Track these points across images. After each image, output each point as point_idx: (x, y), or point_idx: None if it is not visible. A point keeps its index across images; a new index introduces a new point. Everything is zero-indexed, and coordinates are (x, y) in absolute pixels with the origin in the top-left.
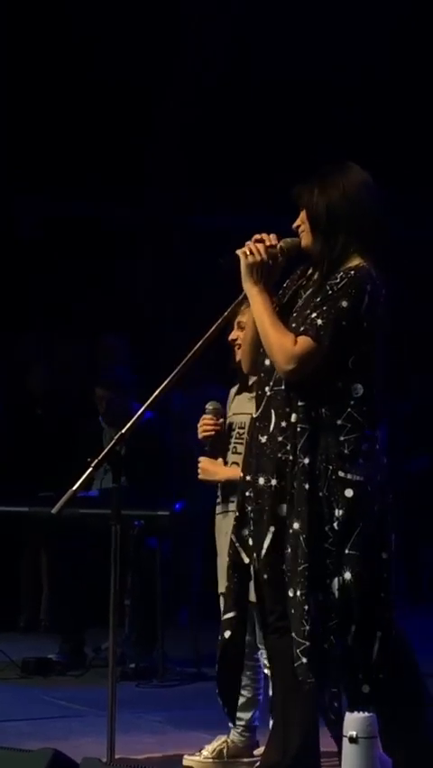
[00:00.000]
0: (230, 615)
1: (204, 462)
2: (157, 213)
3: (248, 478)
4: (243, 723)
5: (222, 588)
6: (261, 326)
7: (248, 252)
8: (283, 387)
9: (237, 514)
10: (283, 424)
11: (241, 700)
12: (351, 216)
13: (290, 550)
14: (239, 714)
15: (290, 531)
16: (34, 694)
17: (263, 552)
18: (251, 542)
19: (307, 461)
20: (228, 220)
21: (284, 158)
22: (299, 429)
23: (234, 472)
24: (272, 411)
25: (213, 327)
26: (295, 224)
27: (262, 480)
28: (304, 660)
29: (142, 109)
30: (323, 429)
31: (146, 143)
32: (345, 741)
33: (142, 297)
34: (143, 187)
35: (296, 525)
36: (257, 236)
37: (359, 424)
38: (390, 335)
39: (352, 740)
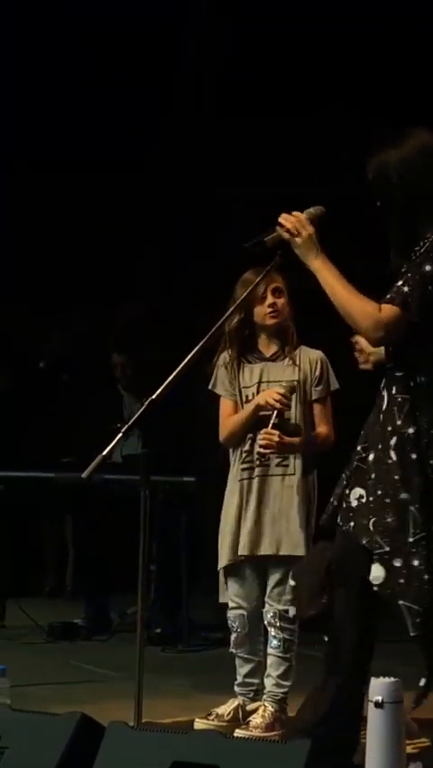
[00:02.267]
0: None
1: (277, 437)
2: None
3: (358, 448)
4: (253, 688)
5: (226, 560)
6: (337, 297)
7: (294, 231)
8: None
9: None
10: (385, 395)
11: (251, 666)
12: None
13: (394, 519)
14: (249, 679)
15: (397, 500)
16: (60, 659)
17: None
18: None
19: (411, 430)
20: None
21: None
22: (399, 400)
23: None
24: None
25: (243, 295)
26: None
27: (369, 454)
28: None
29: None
30: (422, 398)
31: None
32: (371, 706)
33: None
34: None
35: (404, 496)
36: (285, 215)
37: None
38: None
39: (378, 705)
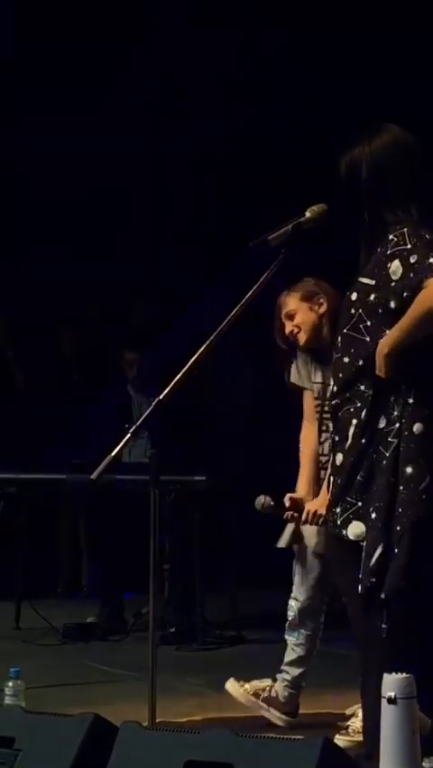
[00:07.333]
0: None
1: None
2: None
3: None
4: (288, 678)
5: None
6: (409, 330)
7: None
8: None
9: None
10: None
11: (292, 656)
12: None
13: None
14: (287, 668)
15: None
16: (75, 659)
17: None
18: None
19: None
20: None
21: None
22: None
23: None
24: None
25: (250, 292)
26: None
27: None
28: None
29: None
30: None
31: None
32: (384, 702)
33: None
34: None
35: None
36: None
37: None
38: None
39: (390, 701)
